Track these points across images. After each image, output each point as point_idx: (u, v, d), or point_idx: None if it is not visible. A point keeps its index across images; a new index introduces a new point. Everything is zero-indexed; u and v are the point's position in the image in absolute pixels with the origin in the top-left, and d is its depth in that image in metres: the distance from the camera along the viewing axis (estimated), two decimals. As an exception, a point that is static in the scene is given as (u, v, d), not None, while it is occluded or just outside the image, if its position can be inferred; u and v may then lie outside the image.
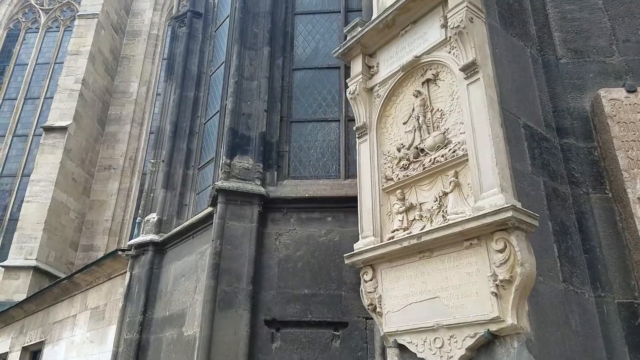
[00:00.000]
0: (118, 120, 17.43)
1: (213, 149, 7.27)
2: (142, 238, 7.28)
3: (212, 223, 5.76)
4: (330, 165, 6.17)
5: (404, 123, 3.48)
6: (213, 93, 7.97)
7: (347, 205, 5.54)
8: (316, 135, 6.37)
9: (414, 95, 3.46)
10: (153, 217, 7.45)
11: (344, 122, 6.32)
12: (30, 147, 17.87)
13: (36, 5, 20.33)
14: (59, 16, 20.19)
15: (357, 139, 3.73)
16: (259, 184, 5.72)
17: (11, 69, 19.27)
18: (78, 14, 17.50)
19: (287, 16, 7.13)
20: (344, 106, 6.41)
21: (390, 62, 3.68)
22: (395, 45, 3.67)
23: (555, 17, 4.13)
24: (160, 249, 7.15)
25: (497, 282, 2.76)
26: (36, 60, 19.33)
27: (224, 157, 5.84)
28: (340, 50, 4.27)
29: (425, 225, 3.29)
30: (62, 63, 17.44)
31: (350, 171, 6.04)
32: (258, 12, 6.87)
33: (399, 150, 3.49)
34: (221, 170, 5.79)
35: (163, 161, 7.88)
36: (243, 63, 6.38)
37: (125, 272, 7.51)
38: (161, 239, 7.10)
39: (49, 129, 15.59)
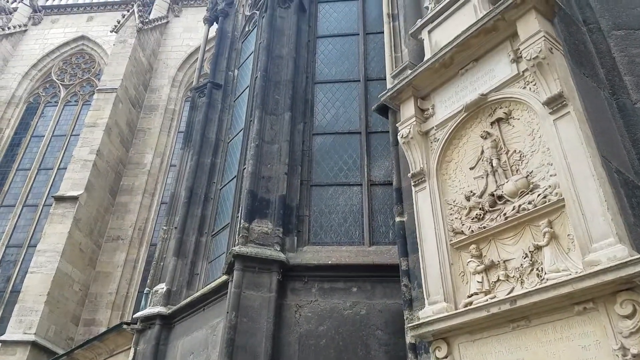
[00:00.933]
0: (130, 190, 17.37)
1: (228, 215, 7.01)
2: (149, 310, 6.82)
3: (226, 293, 5.35)
4: (354, 231, 5.84)
5: (472, 168, 3.10)
6: (230, 159, 7.85)
7: (374, 274, 5.17)
8: (337, 199, 6.11)
9: (481, 137, 3.12)
10: (162, 287, 7.04)
11: (367, 186, 6.09)
12: (39, 217, 17.70)
13: (57, 81, 21.08)
14: (79, 91, 20.87)
15: (412, 188, 3.34)
16: (278, 249, 5.38)
17: (27, 141, 19.62)
18: (97, 88, 18.05)
19: (308, 85, 7.16)
20: (366, 170, 6.21)
21: (449, 102, 3.42)
22: (454, 85, 3.43)
23: (623, 61, 3.92)
24: (167, 322, 6.66)
25: (628, 358, 2.23)
26: (53, 132, 19.70)
27: (242, 220, 5.55)
28: (388, 94, 3.89)
29: (514, 288, 2.78)
30: (78, 135, 17.72)
31: (375, 238, 5.72)
32: (279, 80, 6.90)
33: (468, 198, 3.06)
34: (239, 234, 5.48)
35: (176, 228, 7.60)
36: (264, 127, 6.29)
37: (129, 348, 6.97)
38: (169, 311, 6.64)
39: (60, 199, 15.49)
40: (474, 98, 3.20)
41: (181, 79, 20.13)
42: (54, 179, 18.43)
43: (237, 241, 5.49)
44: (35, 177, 18.88)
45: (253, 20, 9.32)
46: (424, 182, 3.30)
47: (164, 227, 7.98)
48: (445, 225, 3.07)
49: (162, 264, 7.57)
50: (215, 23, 10.62)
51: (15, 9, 23.18)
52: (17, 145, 19.59)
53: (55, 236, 14.78)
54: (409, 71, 3.72)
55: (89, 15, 22.90)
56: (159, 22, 21.25)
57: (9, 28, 21.71)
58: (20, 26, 22.25)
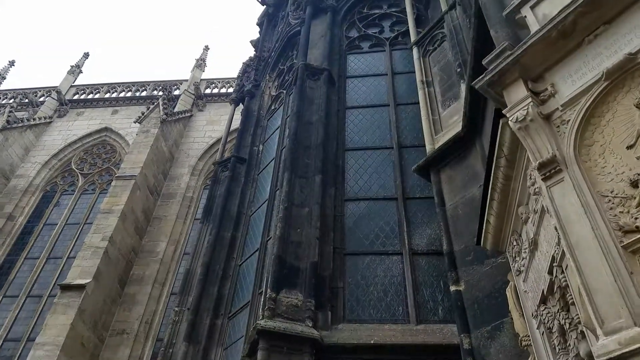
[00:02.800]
0: (140, 280, 16.50)
1: (249, 292, 6.26)
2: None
3: (245, 382, 4.48)
4: (396, 307, 5.04)
5: (630, 147, 2.37)
6: (252, 232, 7.27)
7: (425, 357, 4.31)
8: (375, 270, 5.38)
9: (636, 107, 2.53)
10: (169, 378, 6.10)
11: (408, 255, 5.39)
12: (42, 308, 16.71)
13: (76, 170, 21.16)
14: (97, 179, 20.85)
15: (542, 182, 2.58)
16: (310, 325, 4.58)
17: (39, 229, 19.19)
18: (116, 175, 17.97)
19: (338, 151, 6.80)
20: (406, 238, 5.56)
21: (577, 76, 2.67)
22: (579, 57, 2.71)
23: None
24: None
25: None
26: (66, 221, 19.30)
27: (268, 290, 4.82)
28: (486, 79, 3.08)
29: None
30: (92, 223, 17.32)
31: (422, 314, 4.91)
32: (309, 144, 6.55)
33: (635, 184, 2.33)
34: (263, 307, 4.71)
35: (188, 309, 6.81)
36: (293, 190, 5.78)
37: None
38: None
39: (66, 287, 14.64)
40: (617, 61, 2.52)
41: (201, 167, 20.15)
42: (62, 268, 17.69)
43: (261, 315, 4.71)
44: (43, 267, 18.17)
45: (279, 99, 9.28)
46: (560, 173, 2.52)
47: (175, 309, 7.19)
48: (608, 223, 2.27)
49: (171, 350, 6.66)
50: (241, 104, 10.64)
51: (42, 102, 24.15)
52: (28, 234, 19.16)
53: (56, 328, 13.73)
54: (508, 52, 3.04)
55: (113, 108, 23.71)
56: (183, 115, 21.84)
57: (34, 119, 22.37)
58: (45, 118, 22.93)
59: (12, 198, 19.84)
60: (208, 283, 6.86)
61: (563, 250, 2.51)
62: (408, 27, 8.54)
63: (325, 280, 5.15)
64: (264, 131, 9.15)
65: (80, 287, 14.66)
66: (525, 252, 3.22)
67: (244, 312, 6.14)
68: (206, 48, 26.86)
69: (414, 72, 7.43)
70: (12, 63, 28.35)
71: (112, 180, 19.05)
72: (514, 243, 3.44)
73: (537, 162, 2.56)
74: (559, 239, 2.56)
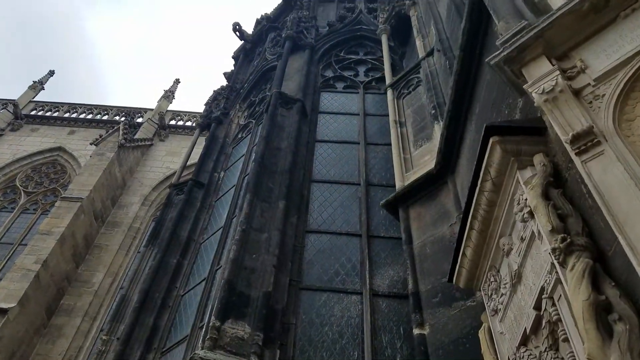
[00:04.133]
0: (69, 311, 15.10)
1: (188, 326, 5.64)
2: None
3: None
4: (351, 351, 4.57)
5: None
6: (201, 261, 6.71)
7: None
8: (332, 308, 4.94)
9: None
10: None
11: (368, 296, 5.00)
12: (-47, 336, 14.97)
13: (20, 187, 19.81)
14: (40, 199, 19.55)
15: (574, 157, 2.22)
16: (256, 361, 4.04)
17: (-33, 247, 17.62)
18: (62, 196, 16.88)
19: (305, 181, 6.50)
20: (367, 277, 5.19)
21: (612, 50, 2.38)
22: (613, 32, 2.36)
23: None
24: None
25: None
26: (0, 239, 17.84)
27: (213, 318, 4.27)
28: (504, 54, 2.72)
29: None
30: (26, 245, 15.97)
31: (379, 361, 4.46)
32: (276, 170, 6.21)
33: None
34: (205, 336, 4.15)
35: (118, 339, 6.07)
36: (254, 212, 5.37)
37: None
38: None
39: (-15, 312, 13.22)
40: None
41: (154, 198, 19.25)
42: (-15, 293, 16.09)
43: (200, 346, 4.14)
44: (-37, 289, 16.48)
45: (248, 129, 9.00)
46: (599, 146, 2.17)
47: (103, 337, 6.43)
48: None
49: (90, 385, 5.84)
50: (207, 130, 10.28)
51: (-5, 116, 22.95)
52: (-46, 250, 17.51)
53: (-36, 358, 12.24)
54: (530, 27, 2.75)
55: (71, 129, 22.70)
56: (143, 143, 21.11)
57: (-18, 132, 21.16)
58: (-4, 130, 21.73)
59: (-59, 212, 18.28)
60: (144, 312, 6.17)
61: (557, 278, 2.23)
62: (382, 73, 8.61)
63: (277, 314, 4.66)
64: (228, 158, 8.77)
65: (2, 312, 13.26)
66: (505, 287, 2.92)
67: (180, 347, 5.49)
68: (177, 81, 26.60)
69: (386, 115, 7.38)
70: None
71: (56, 201, 17.86)
72: (491, 279, 3.15)
73: (570, 135, 2.23)
74: (551, 266, 2.29)
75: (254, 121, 8.86)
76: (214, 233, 6.93)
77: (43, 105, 24.16)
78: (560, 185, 2.51)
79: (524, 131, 2.78)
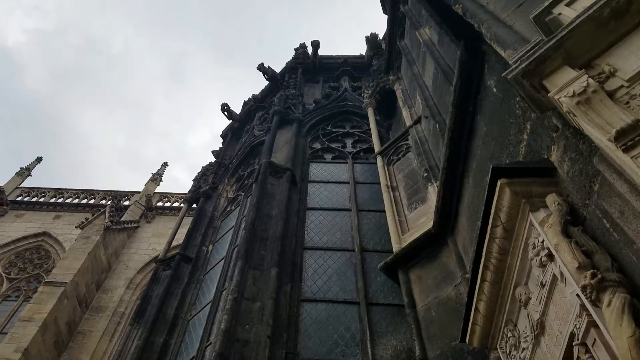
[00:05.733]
0: (45, 408, 13.94)
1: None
2: None
3: None
4: None
5: None
6: (189, 338, 6.28)
7: None
8: (333, 383, 4.52)
9: None
10: None
11: (371, 368, 4.60)
12: None
13: (2, 274, 19.09)
14: (23, 286, 18.77)
15: (620, 156, 1.91)
16: None
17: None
18: (45, 281, 16.20)
19: (297, 249, 6.29)
20: (369, 348, 4.82)
21: None
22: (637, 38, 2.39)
23: None
24: None
25: None
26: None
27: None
28: (521, 67, 2.54)
29: None
30: (6, 334, 15.04)
31: None
32: (267, 237, 6.03)
33: None
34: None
35: None
36: (245, 281, 5.10)
37: None
38: None
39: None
40: None
41: (139, 281, 18.59)
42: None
43: None
44: None
45: (237, 201, 8.89)
46: None
47: None
48: None
49: None
50: (195, 204, 10.11)
51: (-21, 203, 22.63)
52: None
53: None
54: (544, 42, 2.52)
55: (57, 213, 22.39)
56: (129, 225, 20.76)
57: (-33, 219, 20.75)
58: (-21, 218, 21.33)
59: None
60: (127, 398, 5.63)
61: (589, 321, 2.01)
62: (370, 145, 8.75)
63: (274, 393, 4.24)
64: (216, 232, 8.54)
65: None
66: (525, 341, 2.67)
67: None
68: (164, 164, 26.79)
69: (376, 183, 7.39)
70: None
71: (39, 286, 17.10)
72: (509, 335, 2.89)
73: (614, 131, 2.02)
74: (580, 308, 2.07)
75: (242, 194, 8.76)
76: (203, 308, 6.56)
77: (29, 190, 23.98)
78: (579, 224, 2.36)
79: (532, 172, 2.68)
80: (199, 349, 5.65)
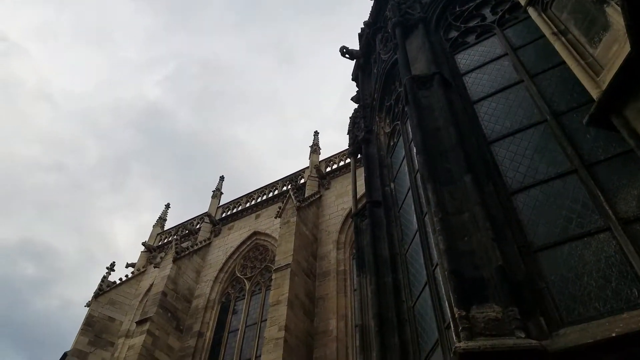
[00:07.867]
0: (323, 360, 16.11)
1: (434, 331, 5.36)
2: None
3: None
4: (628, 291, 3.79)
5: None
6: (414, 269, 6.48)
7: None
8: (582, 257, 4.22)
9: None
10: None
11: (619, 227, 4.16)
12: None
13: (241, 277, 22.48)
14: (260, 280, 21.82)
15: None
16: (523, 336, 3.57)
17: (226, 338, 20.35)
18: (274, 268, 18.53)
19: (481, 147, 5.90)
20: (608, 208, 4.34)
21: None
22: None
23: None
24: None
25: None
26: (245, 323, 20.28)
27: (455, 310, 3.96)
28: None
29: None
30: (267, 319, 17.76)
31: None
32: (444, 149, 5.80)
33: None
34: (457, 329, 3.84)
35: (374, 368, 6.07)
36: (443, 199, 5.01)
37: None
38: None
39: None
40: None
41: (344, 240, 20.06)
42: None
43: (456, 340, 3.83)
44: (235, 371, 18.92)
45: (396, 132, 8.74)
46: None
47: (361, 370, 6.48)
48: None
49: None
50: (359, 154, 10.28)
51: (199, 229, 26.71)
52: (217, 345, 20.33)
53: None
54: None
55: (256, 214, 25.26)
56: (313, 198, 22.31)
57: (197, 245, 24.66)
58: (204, 241, 25.17)
59: (197, 317, 21.47)
60: (385, 334, 6.13)
61: None
62: (511, 1, 7.65)
63: (521, 285, 4.13)
64: (390, 169, 8.56)
65: (271, 383, 14.64)
66: None
67: (437, 353, 5.22)
68: (316, 133, 27.81)
69: (538, 38, 6.50)
70: (167, 206, 32.22)
71: (271, 274, 19.67)
72: None
73: None
74: None
75: (399, 122, 8.55)
76: (412, 239, 6.68)
77: (228, 205, 27.42)
78: None
79: None
80: (427, 275, 5.79)
